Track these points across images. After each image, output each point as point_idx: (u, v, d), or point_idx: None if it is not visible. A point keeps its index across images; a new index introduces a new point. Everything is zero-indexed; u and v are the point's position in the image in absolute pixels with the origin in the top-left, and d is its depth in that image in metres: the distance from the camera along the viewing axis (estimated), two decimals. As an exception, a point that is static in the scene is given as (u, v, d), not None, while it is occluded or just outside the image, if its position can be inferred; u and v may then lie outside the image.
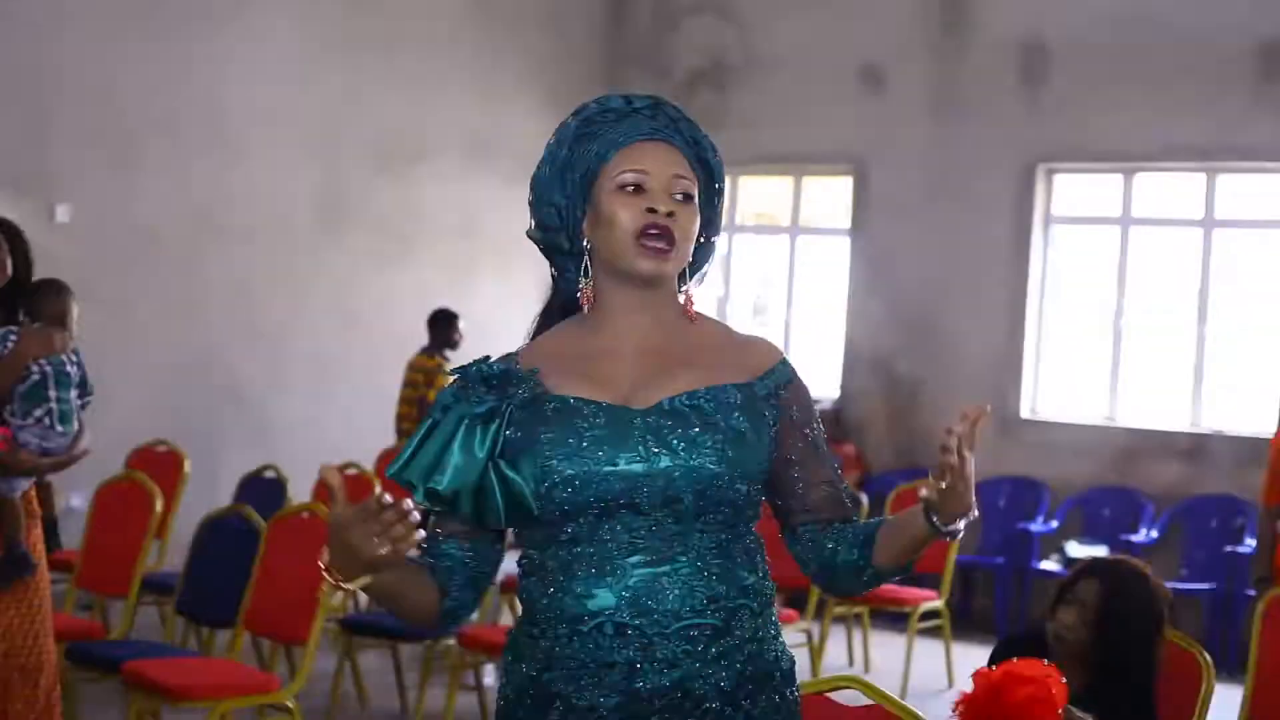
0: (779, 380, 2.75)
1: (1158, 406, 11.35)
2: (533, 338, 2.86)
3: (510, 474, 2.62)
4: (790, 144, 12.57)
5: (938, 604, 8.92)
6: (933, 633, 9.14)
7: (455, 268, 12.32)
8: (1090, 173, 11.72)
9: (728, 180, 10.66)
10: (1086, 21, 11.40)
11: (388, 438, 10.88)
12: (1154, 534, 10.65)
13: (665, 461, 2.62)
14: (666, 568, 2.62)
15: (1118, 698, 4.25)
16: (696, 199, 2.74)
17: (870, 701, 3.45)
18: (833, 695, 3.47)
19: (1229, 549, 10.25)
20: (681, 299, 2.80)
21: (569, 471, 2.61)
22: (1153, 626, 4.37)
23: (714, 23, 13.03)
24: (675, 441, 2.63)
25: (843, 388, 12.35)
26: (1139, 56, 11.18)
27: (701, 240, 2.80)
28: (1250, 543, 10.24)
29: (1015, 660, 3.56)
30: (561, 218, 2.76)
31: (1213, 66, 10.95)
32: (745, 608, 2.67)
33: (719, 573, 2.65)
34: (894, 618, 9.38)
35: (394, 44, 11.81)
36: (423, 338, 11.50)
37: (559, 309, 2.86)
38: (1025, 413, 11.64)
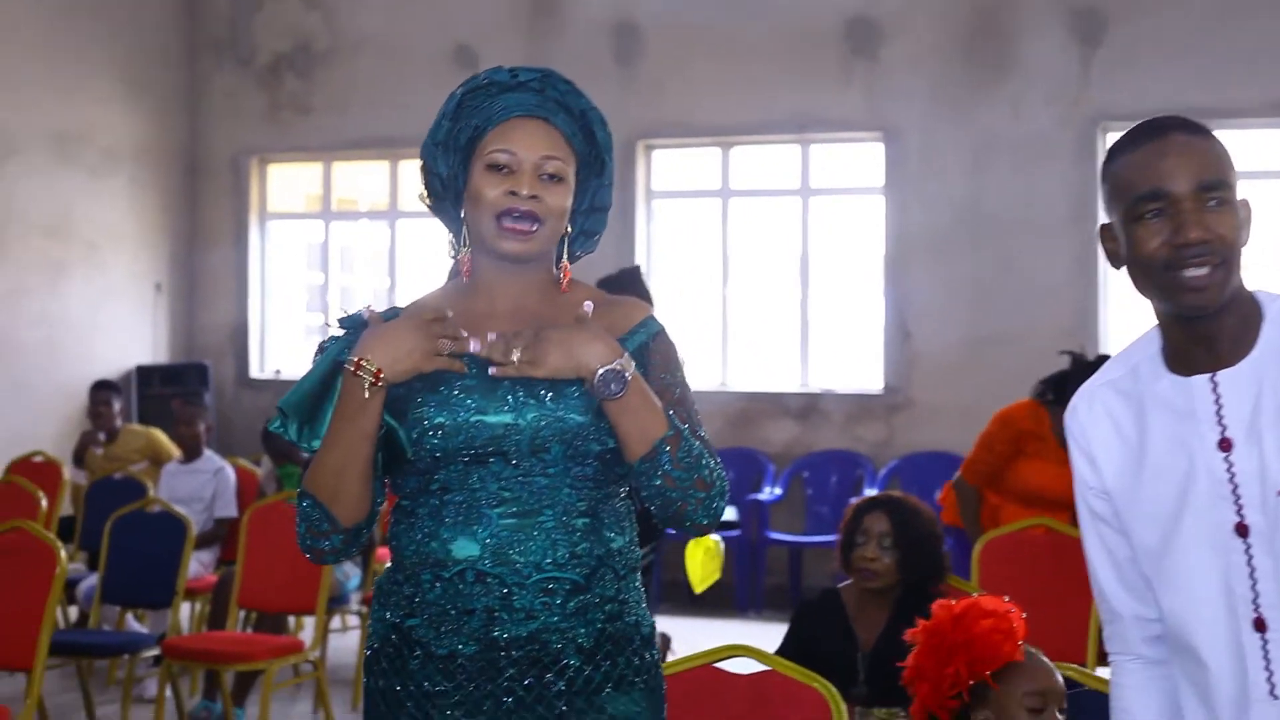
0: (648, 333, 2.81)
1: (768, 370, 11.74)
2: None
3: (386, 419, 2.67)
4: (384, 127, 12.45)
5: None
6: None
7: (47, 267, 11.76)
8: (689, 147, 12.02)
9: (320, 166, 10.42)
10: (678, 1, 11.68)
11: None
12: (778, 491, 11.03)
13: (532, 412, 2.69)
14: (532, 520, 2.68)
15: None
16: (570, 178, 2.79)
17: (763, 667, 3.50)
18: (721, 665, 3.51)
19: (853, 501, 10.63)
20: (558, 273, 2.85)
21: (439, 419, 2.68)
22: (937, 532, 4.85)
23: (298, 6, 12.81)
24: (543, 393, 2.69)
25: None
26: (732, 34, 11.54)
27: (591, 210, 2.87)
28: (871, 493, 10.71)
29: (978, 596, 3.65)
30: (445, 187, 2.83)
31: (802, 41, 11.40)
32: (608, 568, 2.74)
33: (584, 530, 2.72)
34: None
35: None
36: (24, 342, 11.00)
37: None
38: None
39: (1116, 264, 2.65)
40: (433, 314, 2.63)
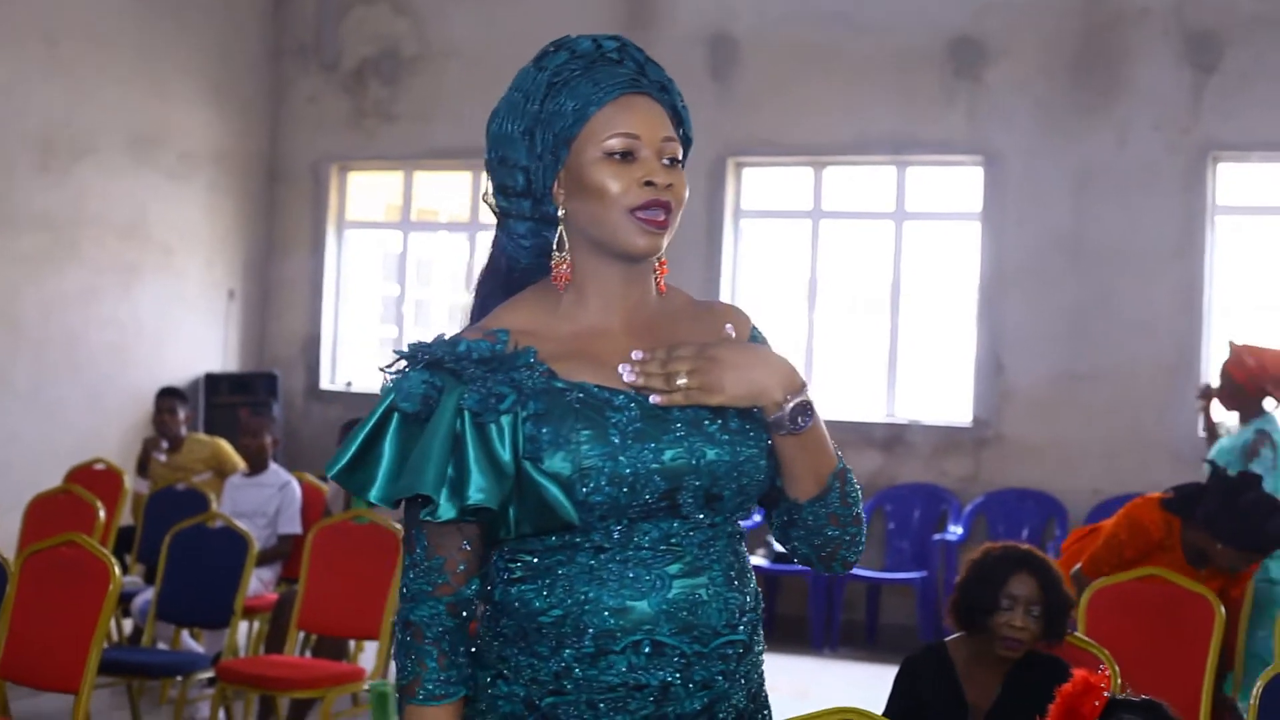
0: (760, 343, 2.49)
1: (854, 398, 11.34)
2: (477, 311, 2.49)
3: (543, 480, 2.25)
4: (466, 138, 12.17)
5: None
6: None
7: (121, 270, 11.51)
8: (780, 166, 11.65)
9: (401, 175, 10.16)
10: (777, 15, 11.34)
11: (61, 456, 10.07)
12: (860, 526, 10.59)
13: (710, 454, 2.31)
14: (704, 578, 2.32)
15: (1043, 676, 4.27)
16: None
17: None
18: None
19: (936, 537, 10.29)
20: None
21: (619, 472, 2.26)
22: (1072, 597, 4.59)
23: (386, 12, 12.55)
24: (717, 433, 2.32)
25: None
26: (829, 50, 11.18)
27: None
28: (955, 529, 10.36)
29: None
30: (529, 182, 2.40)
31: (903, 60, 11.02)
32: (759, 619, 2.40)
33: (740, 580, 2.37)
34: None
35: (53, 33, 10.94)
36: (94, 345, 10.77)
37: (504, 280, 2.49)
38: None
39: None
40: None
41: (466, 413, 2.25)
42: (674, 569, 2.29)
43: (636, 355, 2.29)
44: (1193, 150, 10.47)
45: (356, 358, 13.00)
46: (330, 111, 12.66)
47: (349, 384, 12.72)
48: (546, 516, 2.25)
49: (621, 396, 2.30)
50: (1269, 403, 7.73)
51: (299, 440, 12.35)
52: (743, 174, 11.64)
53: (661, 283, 2.47)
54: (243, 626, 8.40)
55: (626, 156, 2.36)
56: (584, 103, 2.37)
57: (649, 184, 2.34)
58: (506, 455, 2.25)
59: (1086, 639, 4.70)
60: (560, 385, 2.30)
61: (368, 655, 8.01)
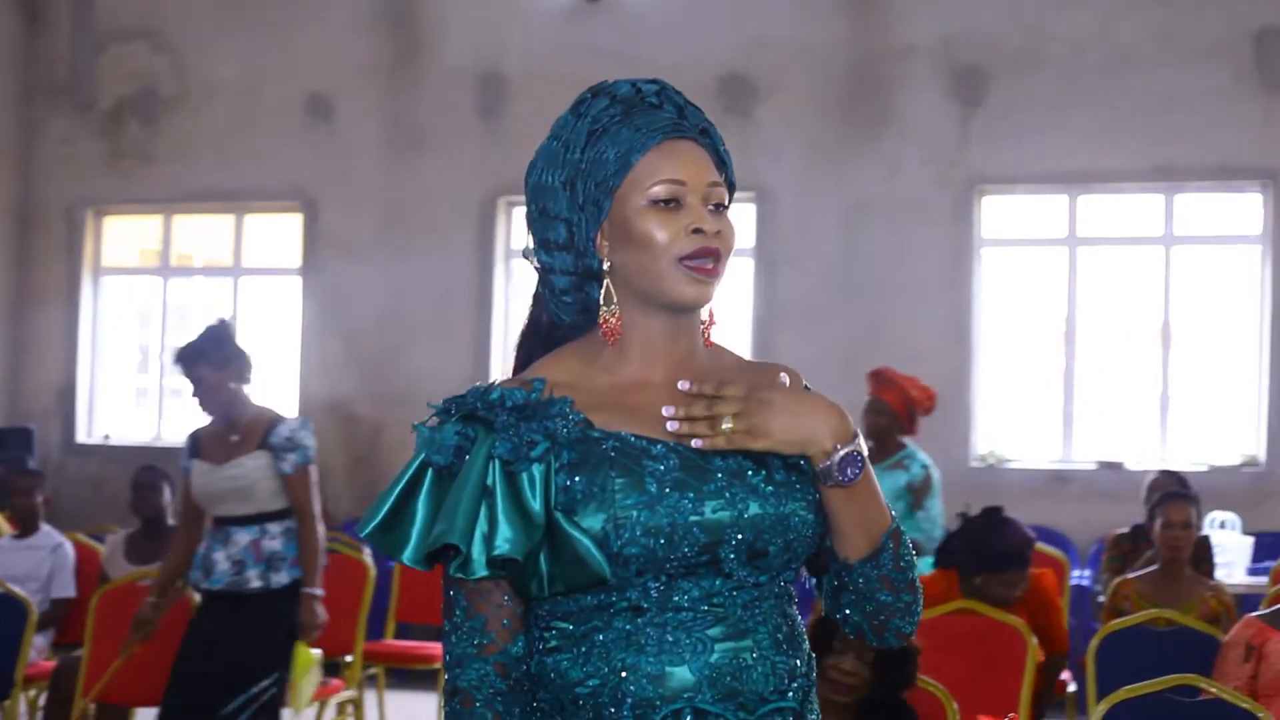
0: None
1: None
2: (520, 369, 2.38)
3: (575, 532, 2.13)
4: (231, 180, 11.87)
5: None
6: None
7: None
8: (553, 204, 11.54)
9: (160, 219, 9.82)
10: (545, 52, 11.26)
11: None
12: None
13: (755, 508, 2.20)
14: (749, 641, 2.21)
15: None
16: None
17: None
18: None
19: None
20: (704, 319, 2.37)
21: (655, 522, 2.15)
22: (918, 645, 4.41)
23: (144, 50, 12.16)
24: (761, 485, 2.21)
25: (301, 434, 11.72)
26: (600, 87, 11.10)
27: None
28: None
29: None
30: (571, 234, 2.29)
31: (675, 96, 11.00)
32: (811, 685, 2.29)
33: (790, 644, 2.25)
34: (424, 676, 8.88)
35: None
36: None
37: (546, 337, 2.39)
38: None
39: None
40: None
41: (497, 461, 2.15)
42: (715, 631, 2.18)
43: (683, 385, 2.19)
44: (960, 183, 10.65)
45: (114, 409, 12.56)
46: (85, 153, 12.23)
47: (107, 436, 12.28)
48: (579, 570, 2.13)
49: (660, 446, 2.20)
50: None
51: (58, 497, 11.83)
52: (513, 214, 11.52)
53: (709, 338, 2.36)
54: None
55: (672, 204, 2.26)
56: (626, 150, 2.27)
57: (697, 231, 2.24)
58: (537, 506, 2.14)
59: (924, 678, 4.66)
60: (595, 435, 2.20)
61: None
